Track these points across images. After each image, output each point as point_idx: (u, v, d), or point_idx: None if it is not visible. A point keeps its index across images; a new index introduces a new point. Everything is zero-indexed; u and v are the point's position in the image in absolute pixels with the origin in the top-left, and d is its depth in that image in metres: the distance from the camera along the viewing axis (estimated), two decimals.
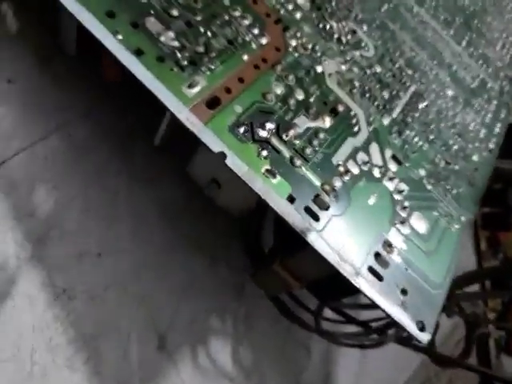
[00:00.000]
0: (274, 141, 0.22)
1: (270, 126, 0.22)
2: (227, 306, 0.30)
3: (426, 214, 0.25)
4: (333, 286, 0.27)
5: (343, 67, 0.27)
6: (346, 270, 0.21)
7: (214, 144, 0.20)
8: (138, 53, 0.20)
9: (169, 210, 0.29)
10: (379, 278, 0.21)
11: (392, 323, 0.27)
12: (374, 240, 0.22)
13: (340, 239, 0.21)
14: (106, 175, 0.27)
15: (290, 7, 0.27)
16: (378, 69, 0.29)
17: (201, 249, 0.30)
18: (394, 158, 0.26)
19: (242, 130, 0.21)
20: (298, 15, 0.27)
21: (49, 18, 0.26)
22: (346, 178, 0.23)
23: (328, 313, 0.32)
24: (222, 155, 0.20)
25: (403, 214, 0.24)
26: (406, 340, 0.31)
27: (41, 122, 0.25)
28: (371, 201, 0.23)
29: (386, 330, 0.30)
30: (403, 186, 0.25)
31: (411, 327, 0.21)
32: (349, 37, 0.28)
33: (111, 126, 0.27)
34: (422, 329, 0.21)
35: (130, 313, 0.26)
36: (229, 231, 0.32)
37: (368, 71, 0.28)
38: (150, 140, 0.29)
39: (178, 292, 0.28)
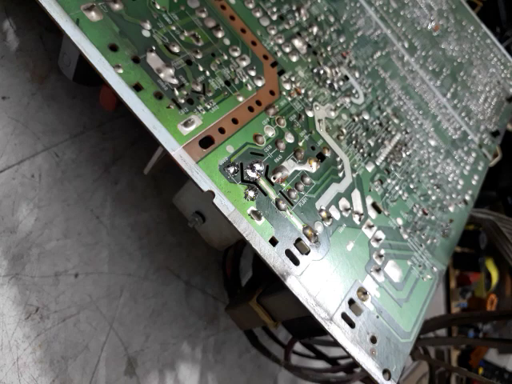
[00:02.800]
0: (262, 182, 0.22)
1: (259, 167, 0.22)
2: (198, 334, 0.31)
3: (400, 262, 0.26)
4: (307, 325, 0.27)
5: (333, 114, 0.28)
6: (320, 316, 0.21)
7: (204, 183, 0.20)
8: (137, 88, 0.20)
9: (149, 236, 0.29)
10: (351, 324, 0.22)
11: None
12: (349, 286, 0.23)
13: (317, 284, 0.22)
14: (89, 198, 0.27)
15: (287, 50, 0.28)
16: (366, 116, 0.30)
17: (178, 276, 0.30)
18: (374, 205, 0.26)
19: (231, 170, 0.22)
20: (294, 59, 0.28)
21: (51, 37, 0.27)
22: (328, 223, 0.24)
23: (297, 346, 0.33)
24: (211, 194, 0.21)
25: (379, 262, 0.25)
26: (371, 380, 0.31)
27: (30, 140, 0.25)
28: (349, 247, 0.24)
29: (353, 369, 0.31)
30: (381, 235, 0.26)
31: (378, 375, 0.22)
32: (341, 83, 0.30)
33: (99, 150, 0.28)
34: (388, 377, 0.22)
35: (101, 336, 0.26)
36: (208, 260, 0.32)
37: (356, 118, 0.29)
38: (136, 165, 0.29)
39: (150, 318, 0.28)
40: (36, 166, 0.25)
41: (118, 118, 0.29)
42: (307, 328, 0.28)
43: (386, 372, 0.22)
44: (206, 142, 0.22)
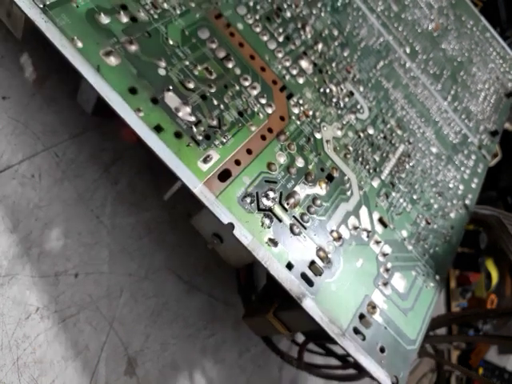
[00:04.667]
0: (277, 209, 0.24)
1: (273, 195, 0.24)
2: (198, 334, 0.31)
3: (405, 273, 0.28)
4: (321, 331, 0.29)
5: (339, 133, 0.29)
6: (333, 332, 0.23)
7: (225, 216, 0.22)
8: (158, 129, 0.22)
9: (150, 236, 0.29)
10: (362, 337, 0.24)
11: None
12: (360, 302, 0.25)
13: (330, 302, 0.24)
14: (89, 198, 0.27)
15: (295, 72, 0.29)
16: (371, 131, 0.31)
17: (178, 276, 0.30)
18: (380, 220, 0.28)
19: (248, 200, 0.23)
20: (301, 80, 0.29)
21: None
22: (338, 243, 0.25)
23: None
24: (231, 226, 0.22)
25: (386, 276, 0.27)
26: None
27: (30, 140, 0.25)
28: (359, 264, 0.26)
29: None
30: (387, 249, 0.27)
31: (387, 383, 0.24)
32: (346, 100, 0.31)
33: (99, 150, 0.28)
34: (395, 383, 0.24)
35: (101, 336, 0.26)
36: (208, 260, 0.32)
37: (361, 134, 0.30)
38: (136, 165, 0.29)
39: (150, 318, 0.29)
40: (36, 165, 0.25)
41: (117, 119, 0.29)
42: (321, 333, 0.30)
43: (394, 378, 0.24)
44: (224, 175, 0.23)
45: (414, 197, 0.31)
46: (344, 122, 0.30)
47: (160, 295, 0.29)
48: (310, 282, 0.23)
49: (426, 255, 0.30)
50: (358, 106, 0.31)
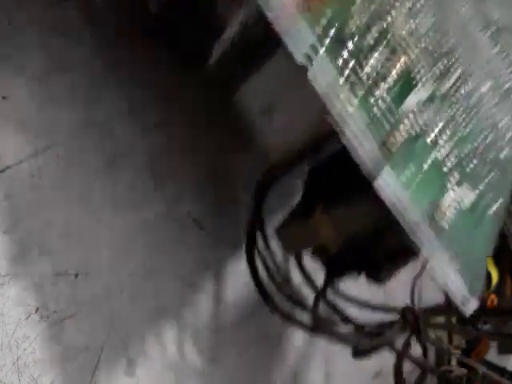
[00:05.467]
0: (356, 63, 0.20)
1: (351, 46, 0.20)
2: (198, 334, 0.31)
3: (472, 186, 0.24)
4: (362, 253, 0.25)
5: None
6: (410, 219, 0.19)
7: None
8: None
9: (149, 236, 0.29)
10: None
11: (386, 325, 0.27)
12: (427, 204, 0.21)
13: (399, 193, 0.20)
14: (89, 198, 0.27)
15: None
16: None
17: (178, 276, 0.30)
18: (445, 127, 0.25)
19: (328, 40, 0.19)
20: None
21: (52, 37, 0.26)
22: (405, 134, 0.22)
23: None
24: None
25: (454, 181, 0.23)
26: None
27: (30, 140, 0.25)
28: (426, 165, 0.22)
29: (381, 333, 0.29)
30: (453, 158, 0.24)
31: (465, 292, 0.20)
32: None
33: (99, 150, 0.28)
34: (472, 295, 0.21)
35: (101, 336, 0.26)
36: (208, 260, 0.32)
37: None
38: (136, 165, 0.29)
39: (150, 318, 0.29)
40: (36, 166, 0.25)
41: (118, 117, 0.29)
42: (358, 261, 0.26)
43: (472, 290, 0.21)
44: None
45: (473, 121, 0.28)
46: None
47: (160, 295, 0.29)
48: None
49: (489, 176, 0.26)
50: None
